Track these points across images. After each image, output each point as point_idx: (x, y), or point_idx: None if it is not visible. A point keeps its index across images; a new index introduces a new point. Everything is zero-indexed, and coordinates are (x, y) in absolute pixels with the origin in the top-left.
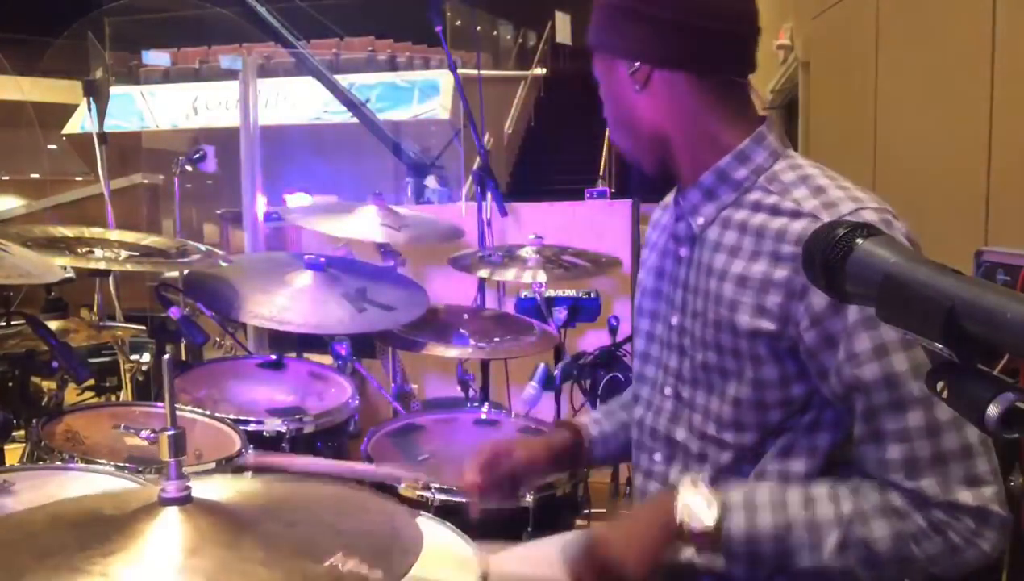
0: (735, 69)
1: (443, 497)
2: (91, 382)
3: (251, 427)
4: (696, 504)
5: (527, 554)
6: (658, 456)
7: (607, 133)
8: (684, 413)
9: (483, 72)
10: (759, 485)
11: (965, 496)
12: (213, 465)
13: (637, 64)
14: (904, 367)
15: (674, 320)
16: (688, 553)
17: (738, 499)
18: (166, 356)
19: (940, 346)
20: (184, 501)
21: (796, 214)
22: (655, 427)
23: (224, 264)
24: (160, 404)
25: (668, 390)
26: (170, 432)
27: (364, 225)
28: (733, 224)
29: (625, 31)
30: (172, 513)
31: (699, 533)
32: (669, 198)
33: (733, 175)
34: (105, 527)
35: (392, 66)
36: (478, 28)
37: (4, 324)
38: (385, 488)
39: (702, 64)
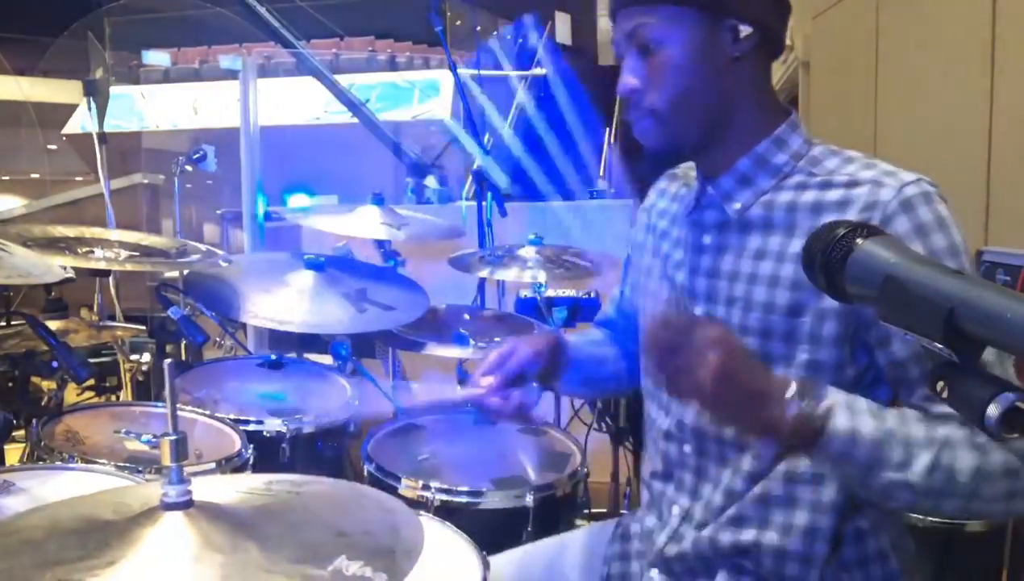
0: (783, 48)
1: (443, 497)
2: (91, 382)
3: (251, 427)
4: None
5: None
6: (688, 448)
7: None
8: None
9: (483, 72)
10: (851, 394)
11: None
12: (213, 465)
13: (751, 30)
14: None
15: (698, 310)
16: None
17: (839, 398)
18: (168, 360)
19: (940, 346)
20: (185, 506)
21: (854, 183)
22: (681, 419)
23: (224, 264)
24: (160, 404)
25: None
26: (172, 437)
27: (364, 225)
28: (779, 206)
29: None
30: (174, 518)
31: (800, 413)
32: (669, 185)
33: (772, 160)
34: (106, 533)
35: (392, 66)
36: (478, 28)
37: (4, 324)
38: (385, 487)
39: (782, 36)
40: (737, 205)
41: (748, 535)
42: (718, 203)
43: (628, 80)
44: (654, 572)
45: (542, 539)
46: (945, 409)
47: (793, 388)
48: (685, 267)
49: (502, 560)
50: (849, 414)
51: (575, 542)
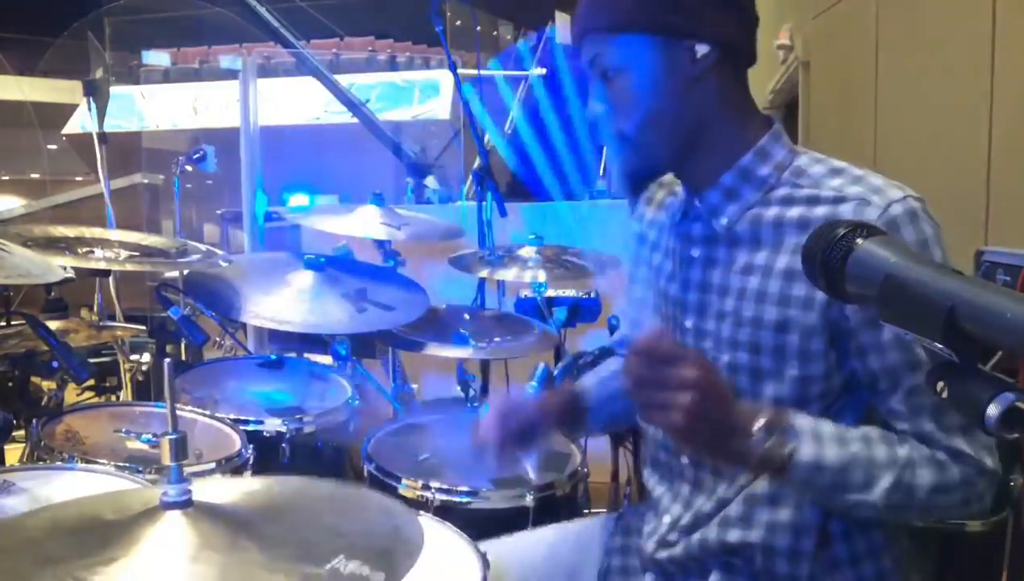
0: (754, 59)
1: (443, 497)
2: (91, 382)
3: (251, 427)
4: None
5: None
6: (685, 459)
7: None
8: None
9: (483, 72)
10: (819, 419)
11: (988, 459)
12: (213, 465)
13: (707, 48)
14: None
15: (688, 323)
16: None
17: (806, 427)
18: (167, 359)
19: (940, 346)
20: (185, 505)
21: (840, 200)
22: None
23: (224, 264)
24: (160, 404)
25: None
26: (171, 436)
27: (364, 225)
28: (766, 221)
29: (707, 13)
30: (173, 517)
31: (767, 447)
32: (656, 193)
33: (757, 173)
34: (106, 533)
35: (392, 66)
36: (478, 28)
37: (4, 324)
38: (385, 487)
39: (749, 57)
40: (724, 220)
41: (735, 535)
42: (705, 217)
43: (594, 106)
44: (648, 577)
45: (544, 527)
46: (906, 426)
47: (760, 422)
48: (676, 280)
49: (504, 547)
50: (814, 444)
51: (576, 531)
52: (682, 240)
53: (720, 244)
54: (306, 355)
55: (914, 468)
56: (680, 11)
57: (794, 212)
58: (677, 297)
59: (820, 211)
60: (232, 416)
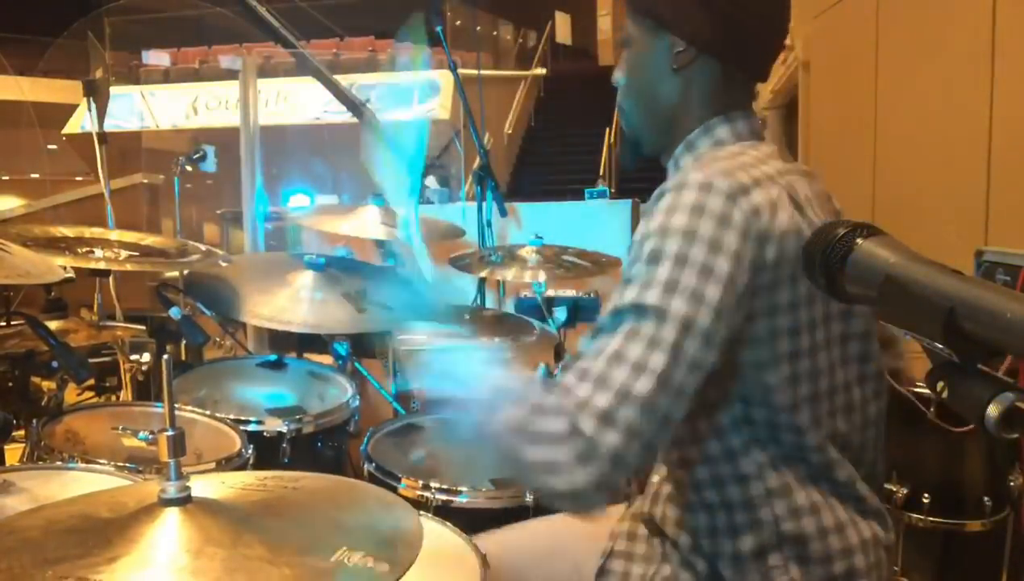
0: (758, 73)
1: (443, 497)
2: (91, 382)
3: (251, 427)
4: None
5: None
6: None
7: (608, 132)
8: None
9: (483, 72)
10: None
11: (587, 422)
12: (213, 465)
13: (685, 44)
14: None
15: None
16: None
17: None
18: (166, 356)
19: (940, 346)
20: (184, 502)
21: (661, 193)
22: None
23: (224, 264)
24: (160, 404)
25: None
26: (169, 433)
27: (364, 225)
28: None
29: (683, 8)
30: (173, 514)
31: None
32: None
33: (680, 161)
34: (105, 531)
35: (392, 66)
36: (478, 28)
37: (4, 324)
38: (385, 487)
39: (738, 61)
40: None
41: (657, 510)
42: None
43: (615, 73)
44: (655, 541)
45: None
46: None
47: None
48: None
49: (504, 536)
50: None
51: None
52: None
53: None
54: (306, 355)
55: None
56: (666, 5)
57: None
58: None
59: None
60: (232, 416)
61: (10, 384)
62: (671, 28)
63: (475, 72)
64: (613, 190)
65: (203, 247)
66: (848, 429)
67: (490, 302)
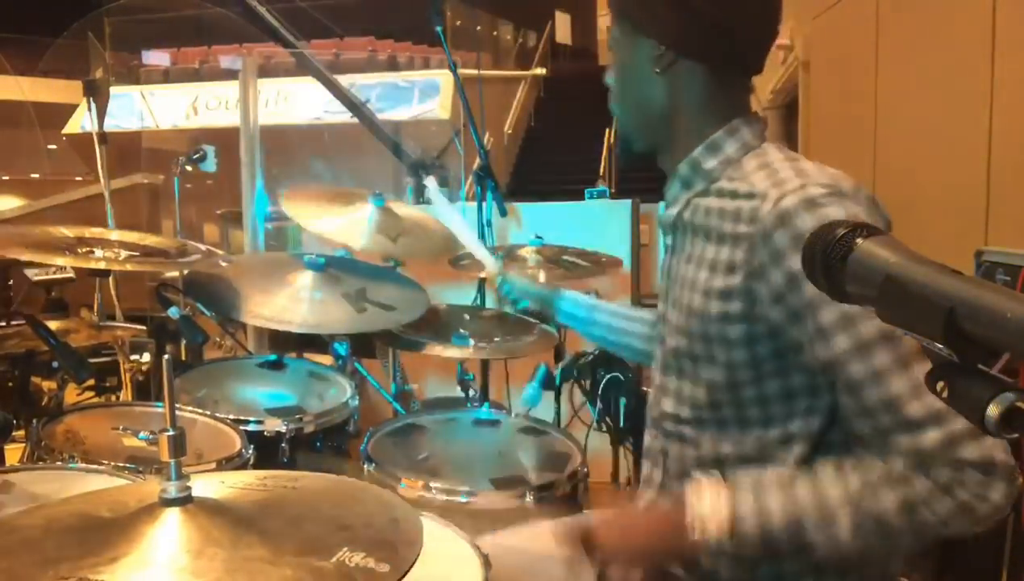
0: (750, 69)
1: (443, 497)
2: (91, 382)
3: (251, 427)
4: (706, 506)
5: (525, 533)
6: (657, 440)
7: (608, 132)
8: (660, 398)
9: (483, 72)
10: (764, 470)
11: (967, 450)
12: (213, 465)
13: (664, 48)
14: (873, 333)
15: (661, 309)
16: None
17: (746, 481)
18: (166, 356)
19: (940, 346)
20: (185, 502)
21: (750, 196)
22: (650, 411)
23: (224, 264)
24: (160, 404)
25: (656, 376)
26: (170, 433)
27: (363, 225)
28: (700, 210)
29: (659, 13)
30: (173, 514)
31: (714, 531)
32: None
33: (704, 165)
34: (106, 531)
35: (392, 66)
36: (478, 28)
37: (4, 324)
38: (385, 487)
39: (725, 61)
40: (676, 208)
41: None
42: (669, 206)
43: (608, 76)
44: None
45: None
46: (863, 425)
47: (690, 519)
48: (662, 269)
49: (502, 538)
50: (753, 495)
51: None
52: (663, 229)
53: (678, 233)
54: (306, 355)
55: (874, 493)
56: (641, 8)
57: (718, 204)
58: (660, 285)
59: (732, 206)
60: (232, 416)
61: (10, 384)
62: (646, 32)
63: (475, 72)
64: (613, 190)
65: (203, 247)
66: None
67: (490, 302)
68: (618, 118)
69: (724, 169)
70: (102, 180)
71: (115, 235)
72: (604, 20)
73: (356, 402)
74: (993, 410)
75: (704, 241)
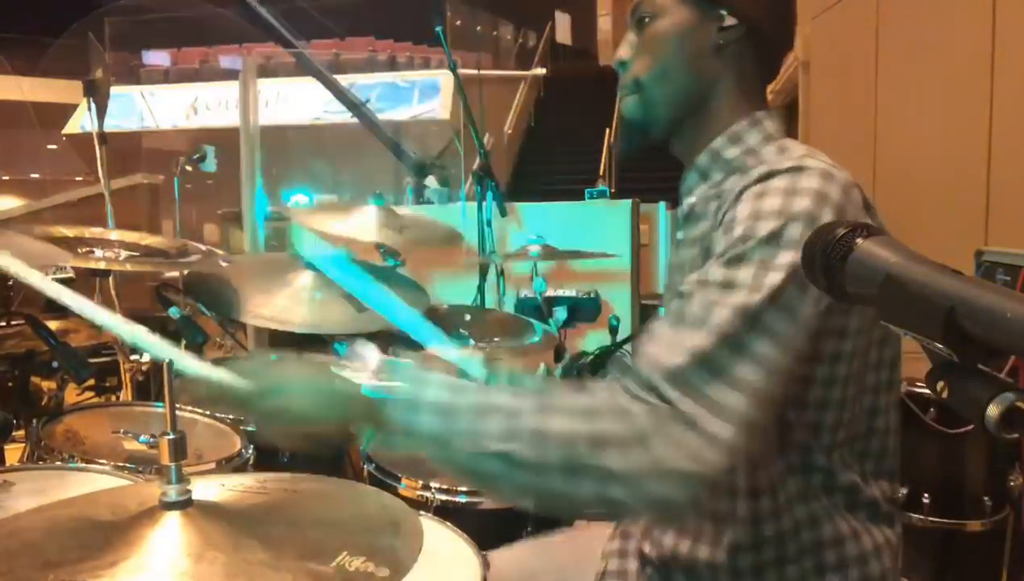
0: (775, 69)
1: (443, 497)
2: (91, 382)
3: (251, 427)
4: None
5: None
6: None
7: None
8: None
9: (483, 72)
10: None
11: (684, 401)
12: (213, 465)
13: (736, 21)
14: (715, 297)
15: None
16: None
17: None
18: (167, 358)
19: (940, 346)
20: (185, 505)
21: (745, 169)
22: None
23: (224, 264)
24: (160, 404)
25: None
26: (170, 437)
27: (364, 225)
28: (713, 198)
29: None
30: (173, 518)
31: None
32: None
33: (724, 154)
34: (106, 534)
35: (392, 66)
36: (478, 28)
37: (4, 324)
38: (385, 487)
39: (776, 50)
40: (692, 199)
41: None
42: (683, 198)
43: (621, 52)
44: (648, 571)
45: (542, 536)
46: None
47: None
48: (671, 265)
49: (502, 555)
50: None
51: (574, 538)
52: (675, 224)
53: (689, 224)
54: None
55: (552, 413)
56: None
57: (728, 184)
58: (669, 282)
59: (731, 181)
60: (232, 416)
61: (10, 384)
62: (723, 3)
63: (475, 72)
64: (613, 190)
65: (203, 247)
66: (880, 449)
67: (490, 302)
68: (636, 98)
69: (746, 159)
70: (102, 180)
71: (115, 235)
72: (604, 20)
73: None
74: (993, 410)
75: (704, 221)
